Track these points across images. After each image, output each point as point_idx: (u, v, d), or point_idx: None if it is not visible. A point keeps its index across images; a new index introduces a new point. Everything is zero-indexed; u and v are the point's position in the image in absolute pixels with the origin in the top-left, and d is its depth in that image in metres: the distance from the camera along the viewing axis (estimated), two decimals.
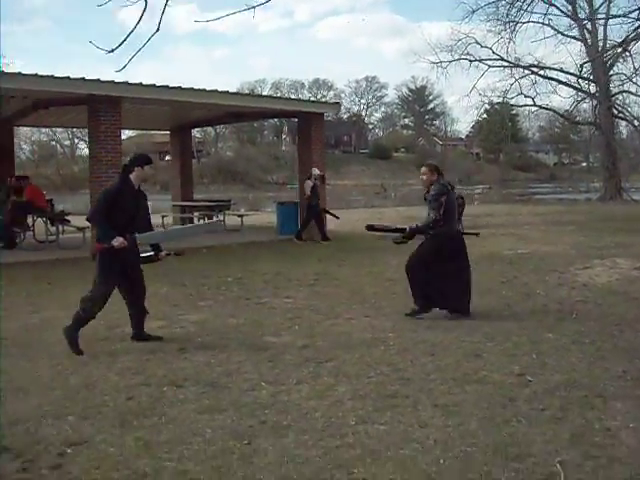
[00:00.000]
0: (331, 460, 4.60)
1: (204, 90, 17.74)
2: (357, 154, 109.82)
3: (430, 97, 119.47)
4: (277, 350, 7.53)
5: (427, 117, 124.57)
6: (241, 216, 22.62)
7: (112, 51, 5.15)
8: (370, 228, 10.91)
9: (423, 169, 9.47)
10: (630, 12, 34.40)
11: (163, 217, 22.64)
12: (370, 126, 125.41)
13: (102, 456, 4.69)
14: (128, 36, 4.74)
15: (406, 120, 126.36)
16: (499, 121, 57.63)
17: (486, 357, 7.22)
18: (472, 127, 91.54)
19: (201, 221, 22.20)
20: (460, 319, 9.07)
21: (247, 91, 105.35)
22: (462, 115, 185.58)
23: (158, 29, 4.85)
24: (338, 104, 35.40)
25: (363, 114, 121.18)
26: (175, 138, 25.42)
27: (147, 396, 5.96)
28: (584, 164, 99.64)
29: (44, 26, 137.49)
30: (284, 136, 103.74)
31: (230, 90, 21.40)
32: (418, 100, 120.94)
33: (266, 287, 11.97)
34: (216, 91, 18.37)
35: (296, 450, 4.76)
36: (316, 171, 19.81)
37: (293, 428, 5.18)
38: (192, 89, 17.32)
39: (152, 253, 8.16)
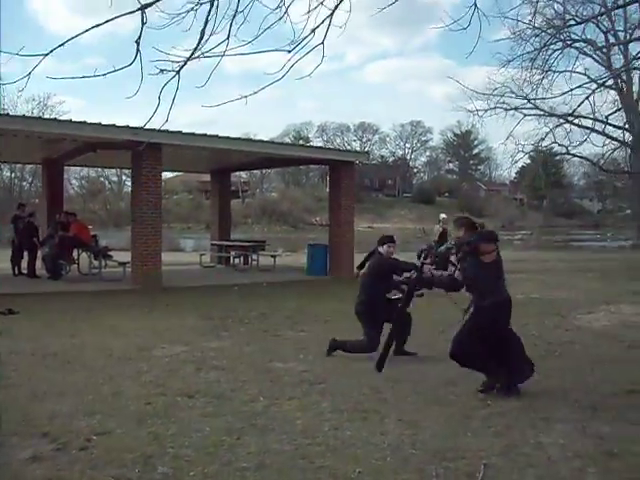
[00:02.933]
0: (299, 453, 5.79)
1: (239, 138, 19.29)
2: (401, 198, 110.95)
3: (475, 142, 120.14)
4: (279, 373, 8.77)
5: (472, 162, 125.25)
6: (274, 256, 23.86)
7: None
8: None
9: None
10: None
11: (201, 255, 24.04)
12: (415, 170, 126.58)
13: (120, 443, 5.96)
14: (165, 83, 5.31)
15: (451, 165, 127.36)
16: (540, 168, 58.25)
17: (460, 385, 8.31)
18: (516, 173, 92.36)
19: (236, 260, 23.51)
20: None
21: (293, 133, 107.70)
22: (506, 161, 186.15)
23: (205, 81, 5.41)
24: (367, 153, 36.53)
25: (407, 158, 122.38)
26: (215, 180, 27.00)
27: (162, 403, 7.25)
28: (629, 211, 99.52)
29: (95, 64, 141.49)
30: (328, 178, 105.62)
31: (277, 132, 22.85)
32: (463, 145, 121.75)
33: (285, 322, 13.19)
34: (250, 139, 19.94)
35: (273, 445, 5.98)
36: (443, 215, 20.72)
37: (276, 431, 6.38)
38: (228, 137, 18.79)
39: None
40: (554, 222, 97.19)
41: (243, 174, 78.76)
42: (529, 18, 34.81)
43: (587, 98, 39.79)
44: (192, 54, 4.83)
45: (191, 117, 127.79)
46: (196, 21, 4.95)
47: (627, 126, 41.78)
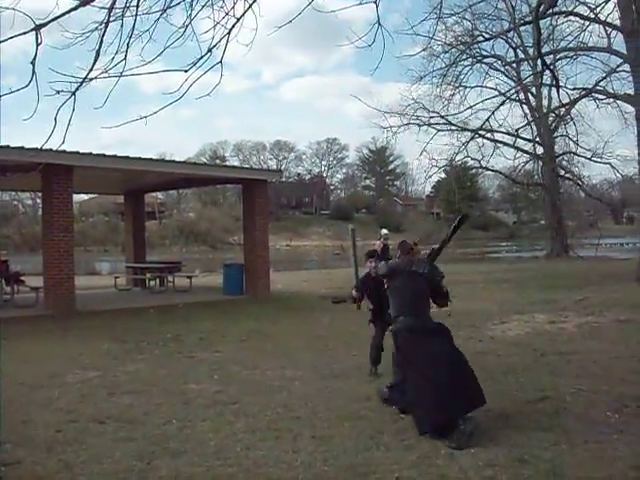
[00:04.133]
0: (211, 475, 5.84)
1: (151, 159, 19.08)
2: (318, 215, 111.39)
3: (390, 158, 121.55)
4: (193, 395, 8.76)
5: (388, 178, 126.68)
6: (190, 277, 23.72)
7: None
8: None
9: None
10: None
11: (116, 278, 23.74)
12: (331, 187, 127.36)
13: (29, 473, 5.89)
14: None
15: (367, 181, 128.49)
16: (454, 183, 59.43)
17: (374, 399, 8.46)
18: (432, 188, 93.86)
19: (152, 282, 23.31)
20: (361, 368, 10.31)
21: (209, 152, 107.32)
22: (421, 176, 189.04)
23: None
24: (280, 171, 36.53)
25: (324, 175, 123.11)
26: (129, 201, 26.70)
27: (73, 429, 7.17)
28: (542, 222, 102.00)
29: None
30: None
31: (194, 152, 22.70)
32: (379, 161, 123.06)
33: (200, 343, 13.15)
34: (163, 160, 19.81)
35: (185, 468, 6.00)
36: (384, 231, 20.78)
37: (188, 453, 6.40)
38: (140, 158, 18.60)
39: None
40: (470, 235, 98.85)
41: (160, 194, 78.09)
42: (440, 35, 35.81)
43: (493, 113, 40.92)
44: (87, 75, 4.83)
45: (109, 138, 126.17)
46: (107, 39, 4.97)
47: (538, 139, 43.10)
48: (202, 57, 4.93)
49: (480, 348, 12.33)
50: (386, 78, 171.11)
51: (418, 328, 7.62)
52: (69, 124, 5.10)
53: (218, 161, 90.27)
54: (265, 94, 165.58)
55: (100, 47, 4.80)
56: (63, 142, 5.17)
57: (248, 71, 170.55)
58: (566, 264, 37.58)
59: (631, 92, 28.17)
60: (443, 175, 77.82)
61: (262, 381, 9.65)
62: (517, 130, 43.70)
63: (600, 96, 35.97)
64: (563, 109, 39.93)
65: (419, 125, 42.94)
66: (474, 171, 61.67)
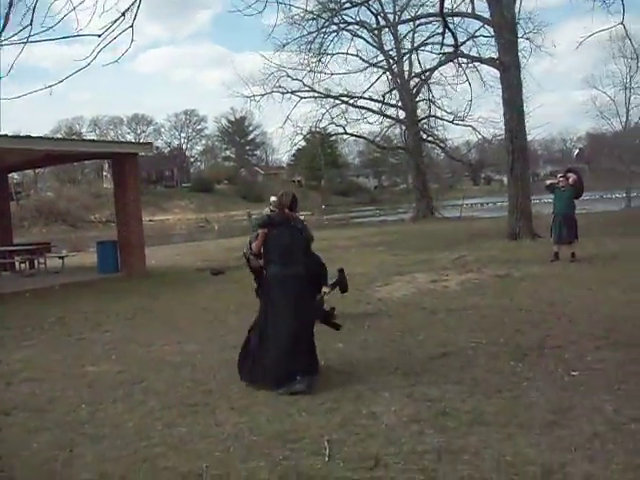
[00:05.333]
0: (139, 457, 5.66)
1: (17, 136, 18.10)
2: (180, 188, 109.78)
3: (250, 128, 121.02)
4: (95, 377, 8.47)
5: (248, 148, 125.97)
6: (62, 257, 22.88)
7: None
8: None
9: None
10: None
11: None
12: (192, 159, 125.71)
13: None
14: None
15: (227, 152, 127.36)
16: (315, 149, 59.91)
17: None
18: (292, 156, 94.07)
19: (22, 265, 22.37)
20: None
21: (65, 129, 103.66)
22: (282, 144, 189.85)
23: None
24: (150, 144, 35.67)
25: (184, 148, 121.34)
26: None
27: None
28: (403, 186, 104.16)
29: None
30: (105, 173, 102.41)
31: (49, 129, 21.69)
32: (238, 131, 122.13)
33: (86, 324, 12.68)
34: (29, 136, 18.78)
35: (110, 452, 5.79)
36: (273, 198, 20.37)
37: (108, 437, 6.19)
38: (6, 135, 17.52)
39: None
40: (333, 201, 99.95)
41: (15, 175, 74.91)
42: (302, 3, 35.89)
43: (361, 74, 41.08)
44: None
45: None
46: None
47: (400, 104, 43.87)
48: (116, 20, 4.67)
49: (371, 310, 12.52)
50: (242, 47, 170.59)
51: (287, 277, 7.79)
52: None
53: (75, 137, 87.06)
54: (120, 67, 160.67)
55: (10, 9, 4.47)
56: None
57: (102, 43, 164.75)
58: (433, 225, 38.64)
59: (494, 55, 29.14)
60: (304, 143, 78.58)
61: (162, 357, 9.44)
62: (383, 96, 44.46)
63: (462, 60, 36.86)
64: (426, 73, 40.77)
65: (282, 93, 43.00)
66: (334, 137, 62.23)
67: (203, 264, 23.01)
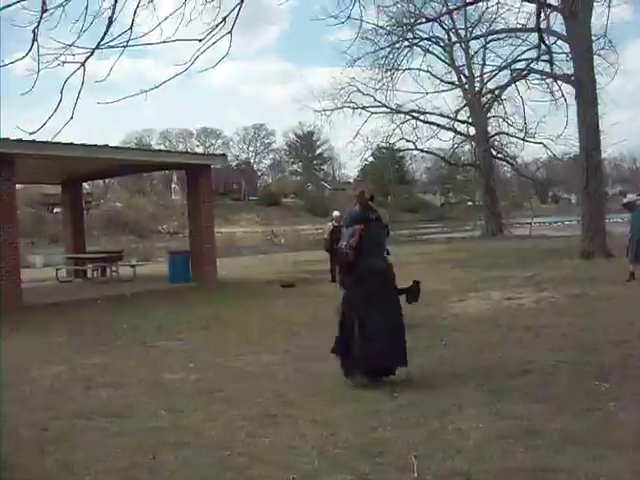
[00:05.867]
0: (224, 466, 5.51)
1: (96, 145, 18.31)
2: (247, 201, 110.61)
3: (318, 142, 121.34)
4: (173, 385, 8.41)
5: (315, 162, 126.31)
6: (133, 266, 23.14)
7: None
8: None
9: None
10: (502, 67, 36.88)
11: (57, 270, 23.02)
12: (259, 173, 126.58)
13: (28, 476, 5.45)
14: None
15: (295, 166, 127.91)
16: (384, 165, 59.77)
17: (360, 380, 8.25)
18: (360, 171, 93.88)
19: (95, 273, 22.66)
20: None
21: (135, 141, 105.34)
22: (350, 159, 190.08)
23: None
24: (224, 156, 36.19)
25: (252, 161, 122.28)
26: (66, 191, 25.79)
27: (60, 427, 6.71)
28: (470, 203, 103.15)
29: None
30: (173, 185, 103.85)
31: (118, 140, 21.91)
32: (306, 146, 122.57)
33: (160, 332, 12.71)
34: (107, 146, 19.02)
35: (194, 460, 5.66)
36: (336, 213, 20.82)
37: (191, 444, 6.06)
38: (85, 145, 17.74)
39: None
40: (400, 217, 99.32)
41: (86, 185, 76.37)
42: (372, 16, 35.88)
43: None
44: (98, 44, 4.46)
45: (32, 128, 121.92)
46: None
47: (471, 120, 43.43)
48: (217, 25, 4.61)
49: (447, 325, 12.29)
50: (309, 63, 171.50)
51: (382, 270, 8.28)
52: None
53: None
54: (190, 81, 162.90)
55: (113, 14, 4.43)
56: None
57: (173, 57, 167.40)
58: (503, 243, 38.06)
59: (569, 72, 28.65)
60: (371, 158, 78.46)
61: (240, 367, 9.34)
62: (456, 112, 44.10)
63: (534, 76, 36.31)
64: (497, 90, 40.24)
65: (353, 108, 43.04)
66: (402, 153, 61.96)
67: (273, 276, 23.01)
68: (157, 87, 4.98)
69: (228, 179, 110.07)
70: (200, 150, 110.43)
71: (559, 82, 34.93)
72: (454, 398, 7.27)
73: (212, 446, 5.99)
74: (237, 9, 4.75)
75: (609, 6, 26.99)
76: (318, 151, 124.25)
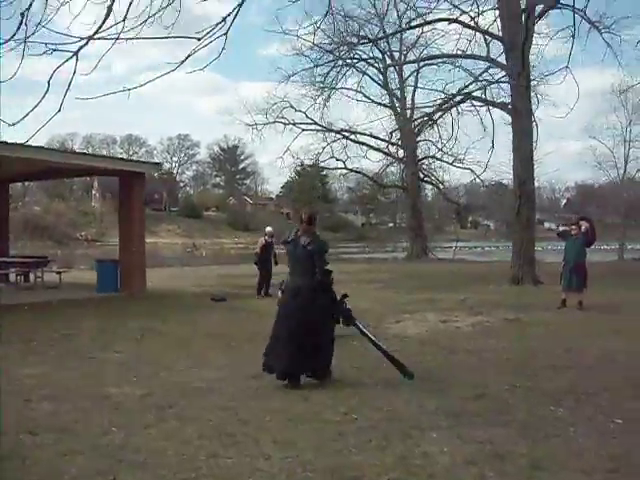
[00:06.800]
0: None
1: (28, 145, 17.50)
2: (168, 212, 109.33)
3: (242, 157, 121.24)
4: (119, 399, 8.01)
5: (238, 176, 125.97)
6: (59, 273, 22.38)
7: None
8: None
9: None
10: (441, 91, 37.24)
11: None
12: (181, 184, 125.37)
13: None
14: None
15: (217, 179, 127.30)
16: (309, 182, 59.97)
17: (314, 400, 8.08)
18: (282, 187, 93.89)
19: (18, 278, 21.75)
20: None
21: (57, 144, 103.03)
22: (273, 175, 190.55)
23: None
24: (159, 164, 35.66)
25: (174, 172, 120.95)
26: None
27: (5, 443, 6.25)
28: (391, 224, 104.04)
29: None
30: (94, 192, 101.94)
31: (42, 143, 21.02)
32: (229, 159, 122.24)
33: (94, 343, 12.20)
34: (40, 147, 18.32)
35: None
36: (269, 229, 21.10)
37: (150, 465, 5.74)
38: (20, 145, 16.82)
39: None
40: (322, 235, 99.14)
41: None
42: (305, 33, 35.96)
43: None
44: (94, 34, 4.18)
45: None
46: None
47: (400, 143, 43.83)
48: (217, 24, 4.38)
49: (390, 347, 12.13)
50: (240, 76, 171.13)
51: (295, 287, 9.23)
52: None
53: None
54: (116, 86, 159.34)
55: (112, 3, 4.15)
56: None
57: (100, 63, 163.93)
58: (428, 265, 38.52)
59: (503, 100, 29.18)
60: (295, 176, 78.62)
61: (185, 382, 9.01)
62: (391, 133, 44.38)
63: (465, 104, 36.80)
64: (437, 113, 40.55)
65: (285, 124, 43.01)
66: (325, 172, 62.10)
67: (200, 289, 22.67)
68: (142, 85, 4.71)
69: (149, 189, 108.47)
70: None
71: (491, 109, 35.45)
72: (414, 421, 7.16)
73: (173, 467, 5.69)
74: (236, 10, 4.52)
75: (551, 38, 27.74)
76: (242, 165, 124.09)
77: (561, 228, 18.94)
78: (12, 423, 6.89)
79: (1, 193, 24.75)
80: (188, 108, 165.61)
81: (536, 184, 27.86)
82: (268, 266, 20.78)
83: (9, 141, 16.17)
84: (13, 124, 4.54)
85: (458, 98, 34.21)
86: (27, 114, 4.33)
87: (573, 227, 17.81)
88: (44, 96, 4.29)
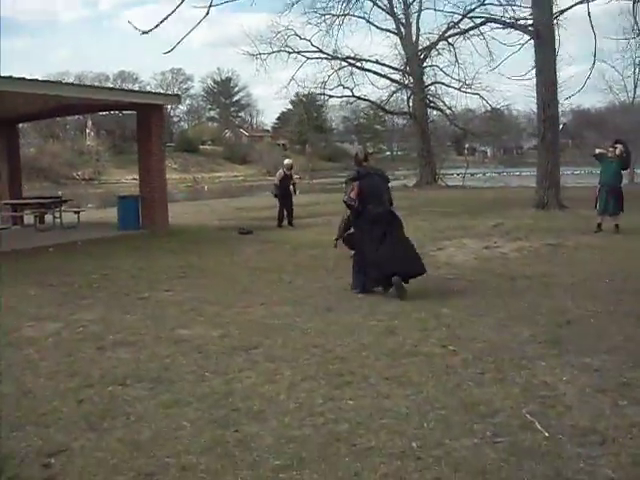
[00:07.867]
0: (328, 436, 4.73)
1: (39, 80, 16.66)
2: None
3: (236, 89, 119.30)
4: (198, 342, 7.42)
5: (233, 109, 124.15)
6: (77, 212, 21.66)
7: None
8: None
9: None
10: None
11: None
12: (175, 119, 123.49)
13: (93, 462, 4.45)
14: None
15: (212, 112, 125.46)
16: (303, 113, 58.89)
17: (401, 333, 7.57)
18: (278, 119, 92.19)
19: (36, 220, 21.03)
20: (352, 301, 9.46)
21: None
22: (268, 107, 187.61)
23: None
24: (178, 96, 34.62)
25: (168, 107, 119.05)
26: (0, 133, 23.73)
27: (98, 397, 5.71)
28: (388, 153, 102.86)
29: None
30: (88, 130, 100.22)
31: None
32: (224, 92, 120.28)
33: (139, 282, 11.57)
34: (52, 81, 17.45)
35: (289, 431, 4.84)
36: (287, 161, 21.42)
37: (268, 413, 5.21)
38: (27, 79, 16.02)
39: None
40: (319, 165, 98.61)
41: None
42: None
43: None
44: None
45: None
46: None
47: (407, 69, 42.75)
48: None
49: (445, 274, 11.69)
50: (231, 8, 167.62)
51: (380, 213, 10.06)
52: None
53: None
54: (105, 23, 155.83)
55: None
56: None
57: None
58: (442, 192, 37.96)
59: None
60: (290, 106, 77.25)
61: (257, 320, 8.46)
62: (406, 63, 43.14)
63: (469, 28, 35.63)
64: (451, 37, 39.18)
65: (289, 52, 41.89)
66: (320, 102, 60.60)
67: (222, 223, 22.12)
68: (157, 26, 4.01)
69: None
70: None
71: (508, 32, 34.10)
72: (516, 350, 6.77)
73: (297, 414, 5.16)
74: None
75: None
76: (236, 98, 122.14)
77: (597, 150, 18.19)
78: (95, 374, 6.33)
79: (11, 135, 23.77)
80: (181, 42, 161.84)
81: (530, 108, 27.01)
82: (288, 197, 20.80)
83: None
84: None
85: (478, 21, 32.99)
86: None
87: (610, 149, 17.21)
88: None
